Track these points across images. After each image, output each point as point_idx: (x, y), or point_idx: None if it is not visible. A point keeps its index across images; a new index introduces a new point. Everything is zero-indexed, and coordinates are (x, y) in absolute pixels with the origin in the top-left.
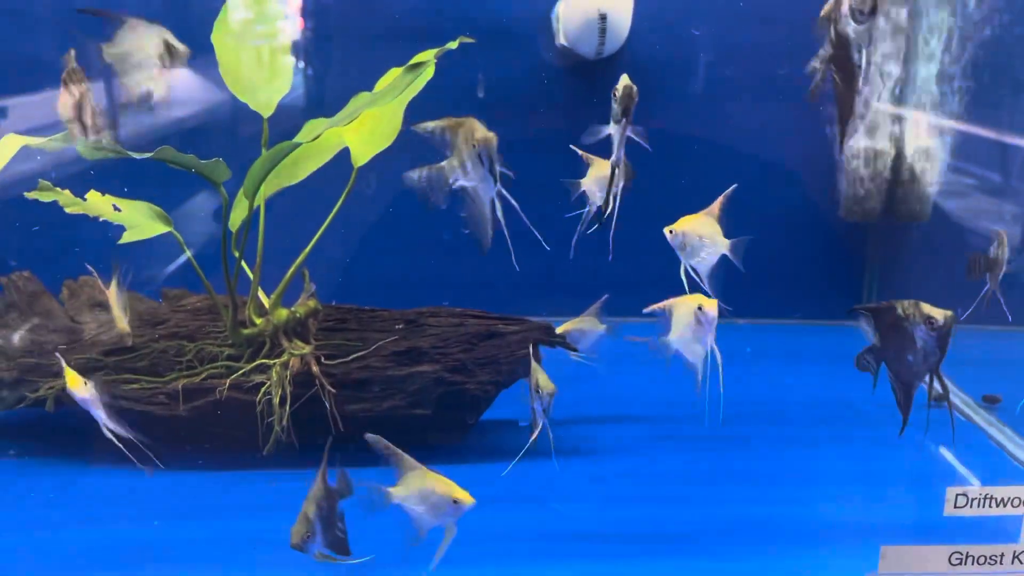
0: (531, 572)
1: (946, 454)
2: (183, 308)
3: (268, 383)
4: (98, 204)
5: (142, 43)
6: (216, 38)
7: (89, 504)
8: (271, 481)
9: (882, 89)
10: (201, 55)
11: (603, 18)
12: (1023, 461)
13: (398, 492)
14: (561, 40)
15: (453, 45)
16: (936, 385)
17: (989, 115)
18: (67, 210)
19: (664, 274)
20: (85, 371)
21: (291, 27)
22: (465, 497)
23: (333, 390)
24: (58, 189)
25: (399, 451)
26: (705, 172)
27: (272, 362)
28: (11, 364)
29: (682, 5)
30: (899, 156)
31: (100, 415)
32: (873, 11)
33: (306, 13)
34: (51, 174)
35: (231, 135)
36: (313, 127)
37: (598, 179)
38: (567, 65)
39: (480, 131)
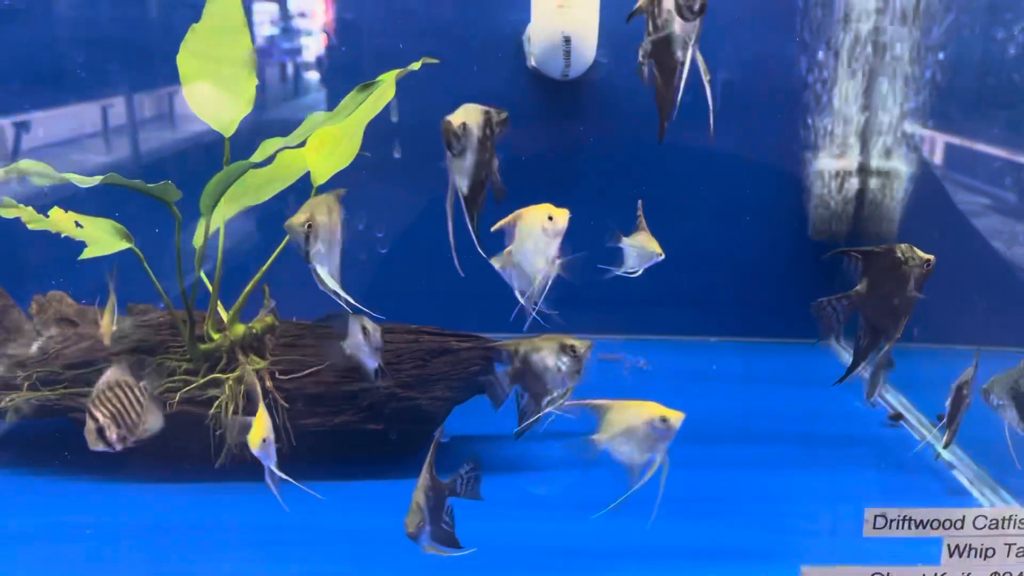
0: None
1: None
2: (147, 323)
3: (221, 397)
4: (60, 220)
5: None
6: (181, 59)
7: (48, 514)
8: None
9: (706, 88)
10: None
11: (567, 40)
12: (970, 479)
13: (602, 437)
14: (531, 62)
15: (416, 66)
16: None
17: (953, 134)
18: (30, 226)
19: (628, 290)
20: (47, 384)
21: (315, 43)
22: (673, 414)
23: (286, 404)
24: (21, 206)
25: (589, 401)
26: (672, 191)
27: (225, 376)
28: None
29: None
30: (864, 176)
31: (271, 466)
32: (703, 10)
33: (327, 30)
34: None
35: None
36: (267, 146)
37: (640, 247)
38: (539, 86)
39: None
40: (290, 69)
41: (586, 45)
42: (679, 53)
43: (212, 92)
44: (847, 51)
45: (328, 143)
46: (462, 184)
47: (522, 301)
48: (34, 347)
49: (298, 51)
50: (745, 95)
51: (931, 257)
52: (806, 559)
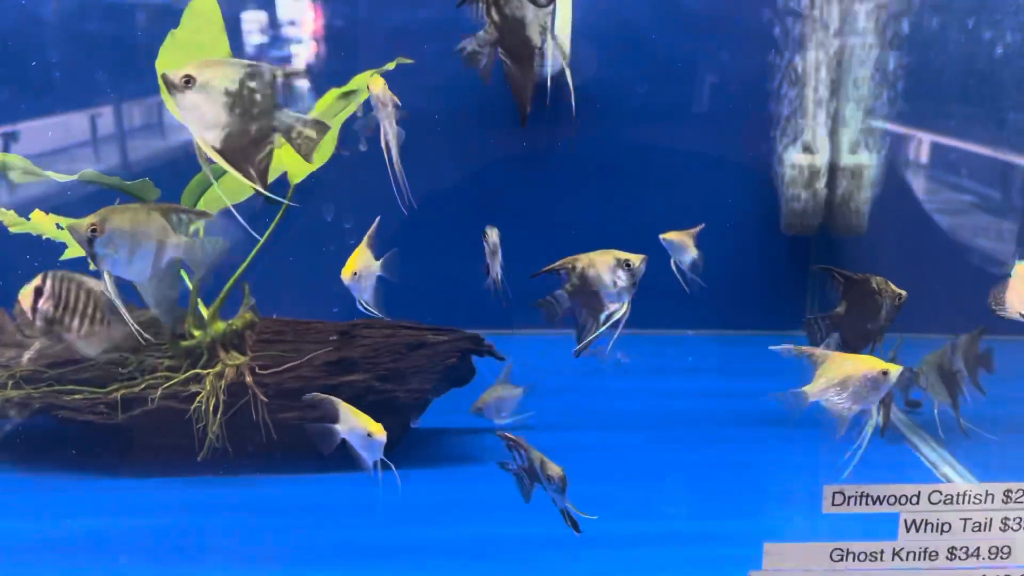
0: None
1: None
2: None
3: (202, 393)
4: (41, 223)
5: None
6: (160, 65)
7: (32, 509)
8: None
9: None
10: None
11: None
12: (934, 463)
13: (814, 389)
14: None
15: (391, 66)
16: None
17: (923, 128)
18: (11, 229)
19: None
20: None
21: (304, 51)
22: (891, 367)
23: (265, 399)
24: (2, 209)
25: (807, 349)
26: (647, 188)
27: (205, 372)
28: None
29: (621, 27)
30: (834, 171)
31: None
32: None
33: (317, 38)
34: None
35: None
36: None
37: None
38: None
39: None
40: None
41: (560, 44)
42: (535, 38)
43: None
44: (815, 47)
45: None
46: (206, 135)
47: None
48: (25, 356)
49: (287, 59)
50: (717, 92)
51: (903, 292)
52: (769, 538)
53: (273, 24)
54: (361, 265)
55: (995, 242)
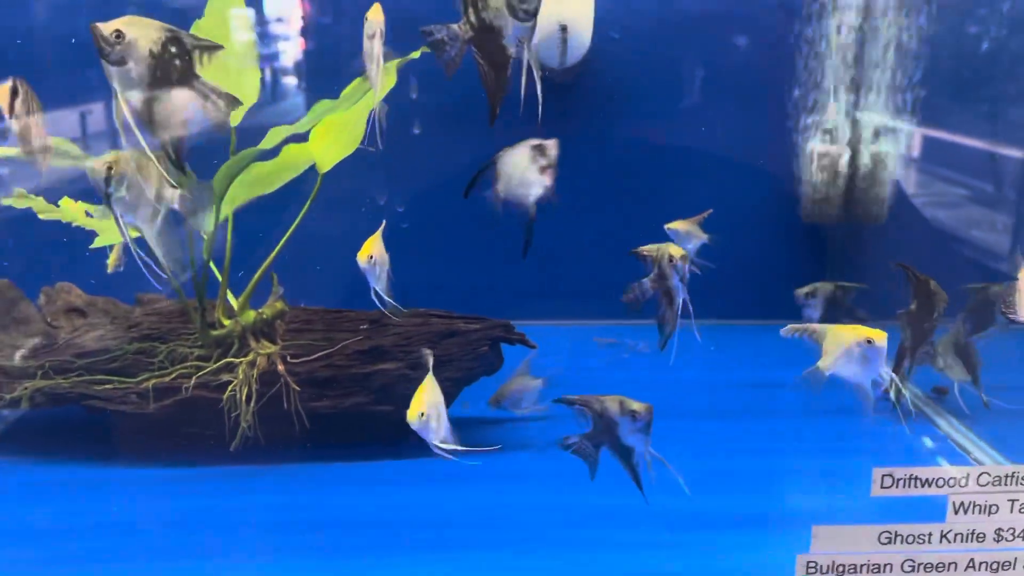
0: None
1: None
2: (156, 312)
3: (235, 381)
4: (71, 210)
5: None
6: None
7: (62, 498)
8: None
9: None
10: None
11: (563, 29)
12: (966, 449)
13: (826, 363)
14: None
15: (416, 55)
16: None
17: (944, 118)
18: (40, 216)
19: (622, 277)
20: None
21: (292, 48)
22: (876, 334)
23: (297, 388)
24: (32, 196)
25: (805, 326)
26: (668, 176)
27: (238, 361)
28: None
29: (644, 16)
30: (855, 159)
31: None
32: (536, 12)
33: (306, 33)
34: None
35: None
36: (276, 134)
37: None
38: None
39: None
40: (268, 74)
41: (582, 33)
42: (510, 49)
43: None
44: (837, 33)
45: (332, 131)
46: (130, 95)
47: None
48: (18, 355)
49: (275, 56)
50: (736, 79)
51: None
52: (817, 521)
53: (260, 21)
54: (376, 250)
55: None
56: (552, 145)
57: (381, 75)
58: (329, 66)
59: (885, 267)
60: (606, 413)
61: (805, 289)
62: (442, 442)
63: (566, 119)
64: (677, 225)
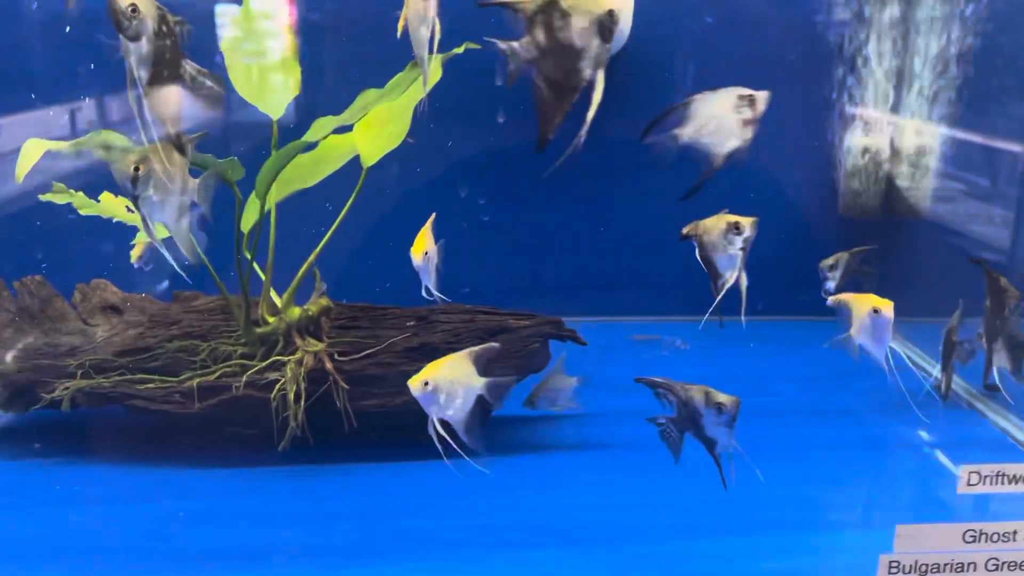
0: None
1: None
2: (195, 309)
3: (283, 380)
4: (111, 205)
5: None
6: (225, 46)
7: (106, 499)
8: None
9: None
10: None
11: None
12: (1017, 438)
13: (854, 330)
14: None
15: (459, 50)
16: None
17: (987, 114)
18: (81, 212)
19: (664, 272)
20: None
21: (280, 44)
22: (883, 302)
23: (346, 386)
24: (72, 191)
25: (844, 296)
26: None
27: (287, 359)
28: (24, 367)
29: (680, 7)
30: (896, 153)
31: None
32: (613, 33)
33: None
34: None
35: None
36: (321, 125)
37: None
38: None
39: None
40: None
41: (625, 21)
42: (586, 72)
43: (259, 76)
44: (881, 26)
45: (376, 124)
46: (140, 72)
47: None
48: (9, 355)
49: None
50: (778, 70)
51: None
52: (900, 521)
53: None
54: (430, 246)
55: None
56: (763, 98)
57: (432, 63)
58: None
59: (927, 262)
60: (691, 403)
61: (828, 261)
62: (441, 424)
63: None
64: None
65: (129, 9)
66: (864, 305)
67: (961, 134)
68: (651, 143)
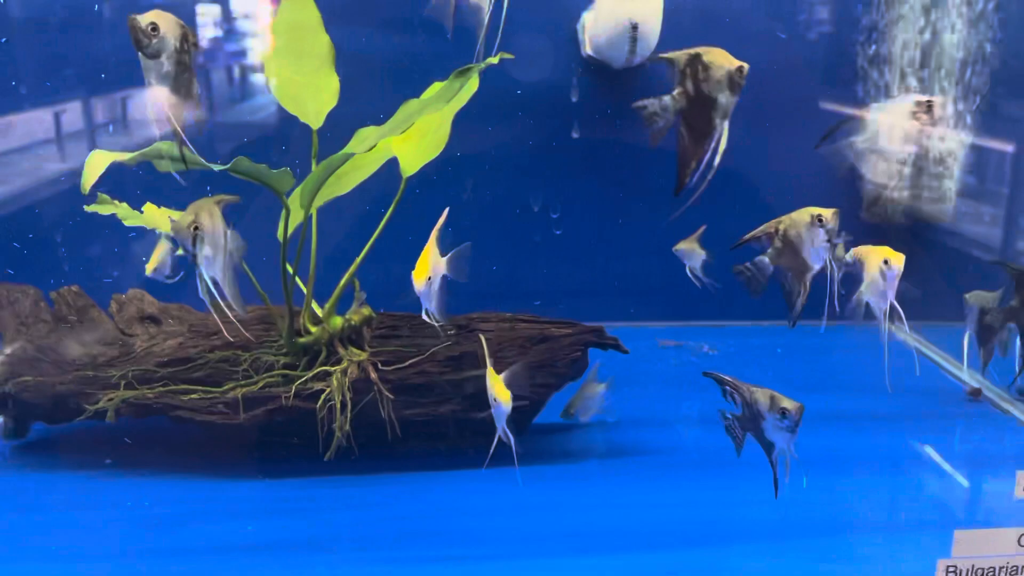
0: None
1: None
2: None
3: (328, 390)
4: (155, 216)
5: None
6: (263, 56)
7: (156, 512)
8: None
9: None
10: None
11: (634, 27)
12: None
13: (865, 287)
14: (588, 50)
15: (494, 60)
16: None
17: (1011, 119)
18: (125, 223)
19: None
20: (143, 382)
21: (263, 46)
22: (894, 254)
23: (391, 396)
24: (116, 202)
25: (862, 250)
26: (732, 176)
27: (333, 369)
28: (67, 377)
29: (710, 13)
30: (919, 158)
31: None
32: (742, 87)
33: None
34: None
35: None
36: (363, 136)
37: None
38: (594, 74)
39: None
40: (236, 72)
41: (652, 32)
42: (716, 122)
43: (298, 86)
44: (903, 30)
45: (415, 133)
46: (162, 91)
47: None
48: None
49: (243, 53)
50: (803, 73)
51: None
52: (958, 525)
53: (227, 17)
54: (433, 268)
55: None
56: (940, 102)
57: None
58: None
59: (950, 267)
60: (755, 405)
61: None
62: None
63: (621, 114)
64: (683, 245)
65: (150, 28)
66: (876, 257)
67: (985, 139)
68: (826, 152)
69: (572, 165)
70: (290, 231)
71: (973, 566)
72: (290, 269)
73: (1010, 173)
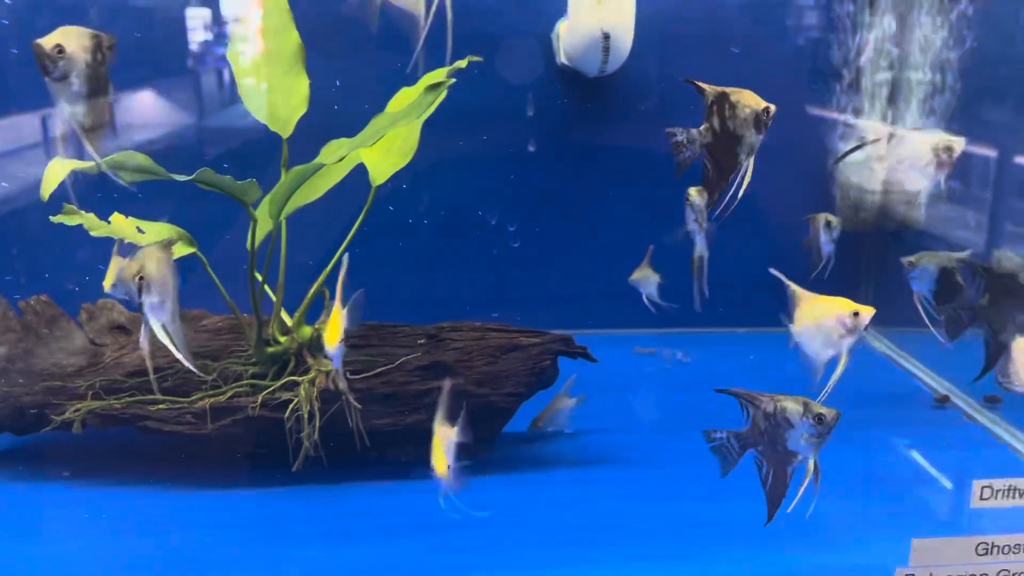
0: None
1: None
2: (204, 328)
3: (296, 400)
4: (122, 226)
5: None
6: (232, 57)
7: (125, 523)
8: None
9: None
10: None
11: (606, 37)
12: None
13: (796, 328)
14: (562, 59)
15: (463, 64)
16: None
17: (979, 123)
18: (92, 233)
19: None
20: (111, 392)
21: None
22: (863, 308)
23: (359, 406)
24: (83, 212)
25: (792, 285)
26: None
27: (301, 379)
28: (34, 388)
29: (682, 22)
30: (892, 165)
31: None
32: (767, 127)
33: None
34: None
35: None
36: (333, 148)
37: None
38: (567, 83)
39: None
40: (226, 75)
41: (624, 41)
42: (742, 158)
43: (266, 92)
44: (876, 39)
45: (383, 142)
46: (77, 111)
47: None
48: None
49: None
50: (776, 84)
51: None
52: (915, 534)
53: (217, 20)
54: (342, 332)
55: None
56: (960, 144)
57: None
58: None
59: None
60: (782, 413)
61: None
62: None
63: (598, 120)
64: (636, 275)
65: (55, 51)
66: (830, 308)
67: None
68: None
69: (550, 172)
70: (259, 240)
71: (931, 575)
72: (259, 276)
73: (989, 176)
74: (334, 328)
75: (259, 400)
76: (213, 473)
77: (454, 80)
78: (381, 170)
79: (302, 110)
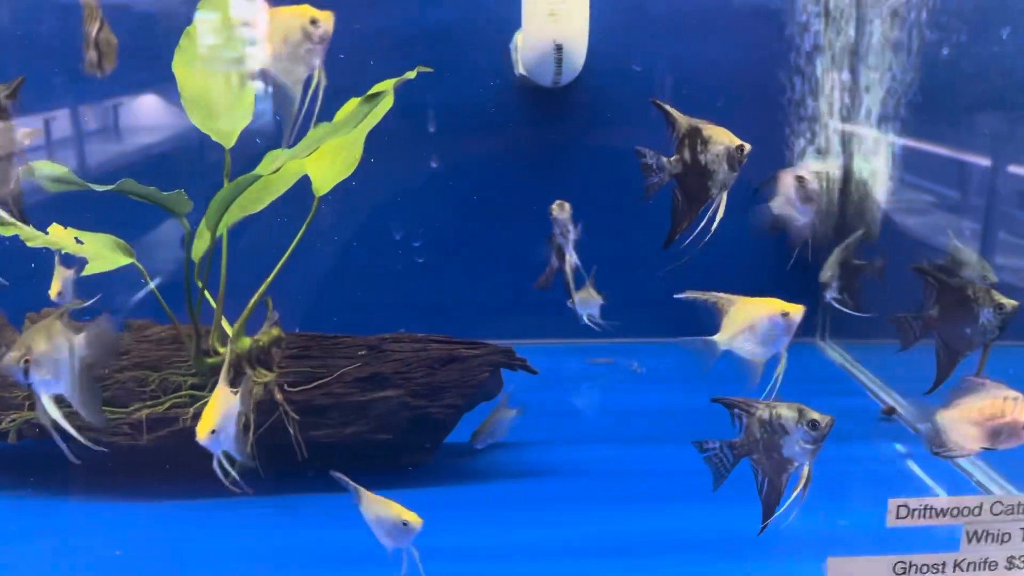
0: None
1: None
2: (147, 338)
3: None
4: (60, 237)
5: None
6: (177, 66)
7: (61, 536)
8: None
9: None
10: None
11: (559, 48)
12: (970, 473)
13: (724, 336)
14: (520, 69)
15: (411, 75)
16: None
17: (936, 134)
18: (29, 244)
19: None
20: None
21: (260, 53)
22: (792, 307)
23: (296, 417)
24: (18, 223)
25: (711, 295)
26: (663, 198)
27: (235, 391)
28: None
29: (636, 34)
30: (847, 177)
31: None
32: (742, 164)
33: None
34: None
35: (197, 162)
36: (273, 158)
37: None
38: (526, 93)
39: None
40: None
41: (577, 52)
42: (713, 192)
43: (211, 102)
44: (829, 54)
45: (328, 153)
46: None
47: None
48: None
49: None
50: (729, 98)
51: (1009, 303)
52: (832, 551)
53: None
54: (222, 417)
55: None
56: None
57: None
58: None
59: (880, 286)
60: (778, 420)
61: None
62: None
63: (552, 131)
64: (576, 300)
65: None
66: (762, 309)
67: (912, 154)
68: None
69: (503, 181)
70: (201, 251)
71: None
72: (199, 283)
73: (939, 189)
74: (209, 414)
75: (191, 411)
76: (149, 485)
77: (392, 90)
78: (325, 181)
79: (246, 121)
